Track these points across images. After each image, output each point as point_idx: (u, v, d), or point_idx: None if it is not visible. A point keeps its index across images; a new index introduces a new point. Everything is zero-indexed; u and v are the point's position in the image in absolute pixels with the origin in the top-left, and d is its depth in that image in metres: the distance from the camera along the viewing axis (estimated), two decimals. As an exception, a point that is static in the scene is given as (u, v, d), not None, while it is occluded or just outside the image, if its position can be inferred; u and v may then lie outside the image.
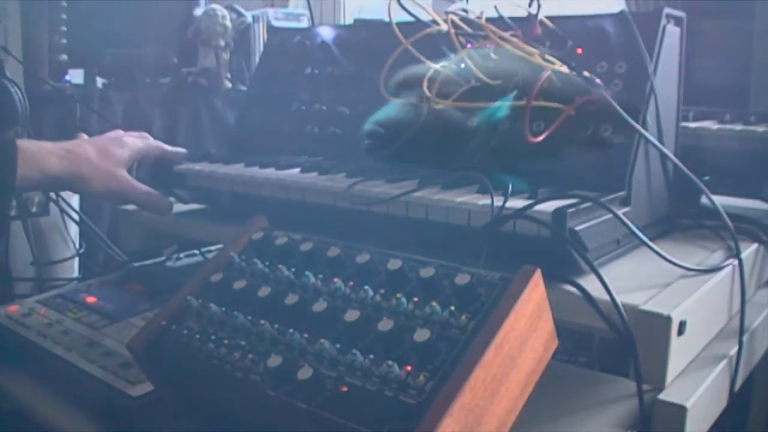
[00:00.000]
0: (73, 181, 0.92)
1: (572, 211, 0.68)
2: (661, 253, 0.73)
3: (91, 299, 0.96)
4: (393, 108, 0.86)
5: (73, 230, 1.40)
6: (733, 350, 0.78)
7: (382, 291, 0.61)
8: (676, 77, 0.88)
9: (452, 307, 0.57)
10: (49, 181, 0.91)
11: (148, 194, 0.97)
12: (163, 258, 1.16)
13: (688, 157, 0.85)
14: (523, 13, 0.85)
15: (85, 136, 1.00)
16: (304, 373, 0.56)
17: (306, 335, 0.59)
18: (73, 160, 0.91)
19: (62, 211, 1.33)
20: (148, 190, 0.97)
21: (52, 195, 1.28)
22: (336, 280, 0.63)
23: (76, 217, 1.33)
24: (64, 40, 1.57)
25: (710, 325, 0.76)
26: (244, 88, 1.80)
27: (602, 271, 0.66)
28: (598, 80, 0.79)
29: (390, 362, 0.54)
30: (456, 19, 0.83)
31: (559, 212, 0.67)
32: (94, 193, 0.94)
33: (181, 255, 1.17)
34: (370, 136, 0.87)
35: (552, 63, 0.78)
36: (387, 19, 0.86)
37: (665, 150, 0.82)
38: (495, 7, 0.86)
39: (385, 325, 0.56)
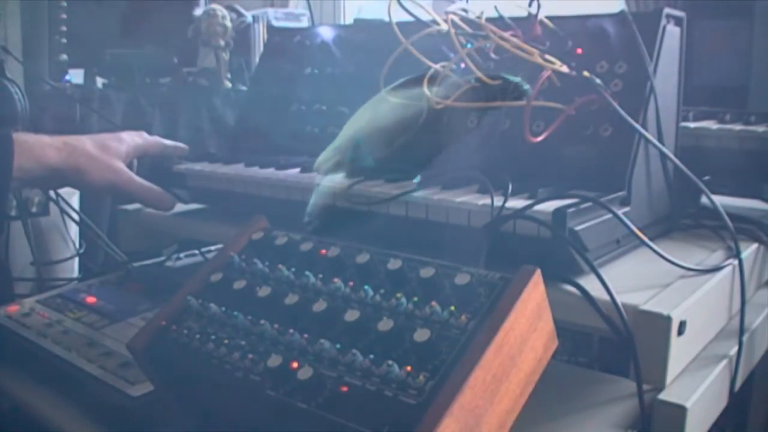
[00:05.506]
0: (72, 174, 0.91)
1: (572, 211, 0.68)
2: (661, 253, 0.73)
3: (91, 299, 0.96)
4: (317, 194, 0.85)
5: (73, 230, 1.40)
6: (733, 350, 0.78)
7: (382, 291, 0.61)
8: (676, 77, 0.88)
9: (452, 307, 0.57)
10: (47, 174, 0.90)
11: (149, 189, 0.96)
12: (163, 258, 1.16)
13: (688, 157, 0.85)
14: (523, 13, 0.85)
15: None
16: (304, 373, 0.56)
17: (306, 335, 0.59)
18: (70, 152, 0.91)
19: (62, 211, 1.33)
20: (149, 184, 0.97)
21: (52, 195, 1.28)
22: (336, 280, 0.63)
23: (76, 217, 1.33)
24: (64, 40, 1.57)
25: (710, 325, 0.76)
26: (244, 88, 1.80)
27: (602, 271, 0.65)
28: (598, 80, 0.79)
29: (390, 362, 0.54)
30: (456, 19, 0.83)
31: (559, 212, 0.67)
32: (92, 186, 0.93)
33: (181, 255, 1.17)
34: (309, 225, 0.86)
35: (552, 63, 0.78)
36: (387, 19, 0.86)
37: (665, 150, 0.82)
38: (495, 7, 0.86)
39: (385, 325, 0.56)
